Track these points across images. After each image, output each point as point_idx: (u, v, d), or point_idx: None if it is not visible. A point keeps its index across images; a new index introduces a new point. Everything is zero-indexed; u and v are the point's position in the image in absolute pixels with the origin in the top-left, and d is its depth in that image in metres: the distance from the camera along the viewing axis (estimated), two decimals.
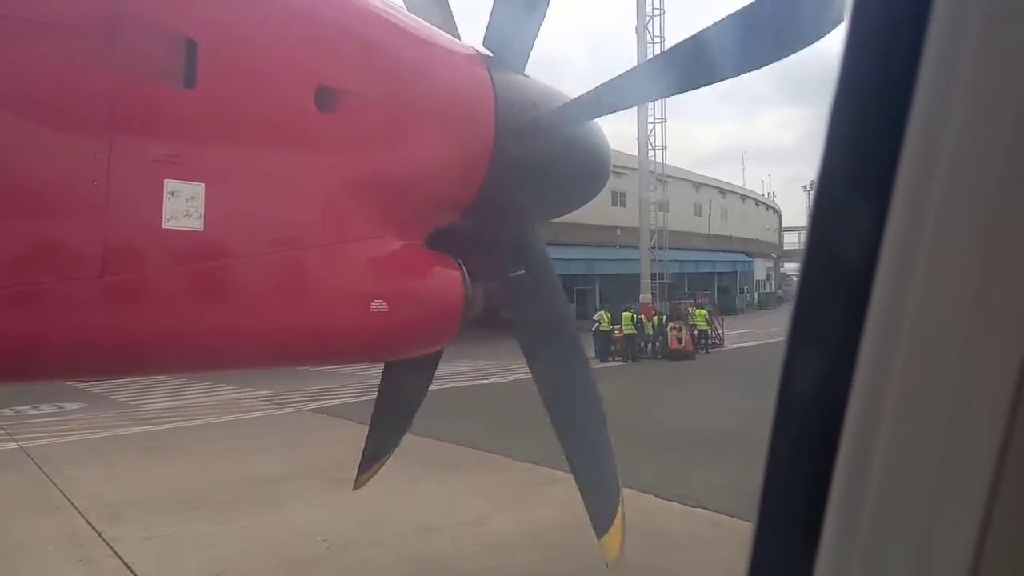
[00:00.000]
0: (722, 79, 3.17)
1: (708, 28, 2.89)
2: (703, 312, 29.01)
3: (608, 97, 3.42)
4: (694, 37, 2.97)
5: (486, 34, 3.53)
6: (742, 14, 2.77)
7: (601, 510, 3.69)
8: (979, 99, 0.62)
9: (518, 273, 3.56)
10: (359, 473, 5.07)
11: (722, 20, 2.83)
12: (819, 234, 0.80)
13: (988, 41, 0.62)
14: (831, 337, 0.76)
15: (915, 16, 0.66)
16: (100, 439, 13.85)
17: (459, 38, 3.63)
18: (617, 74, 3.32)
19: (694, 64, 3.13)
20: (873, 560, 0.69)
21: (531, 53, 3.63)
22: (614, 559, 3.71)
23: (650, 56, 33.92)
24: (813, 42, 2.72)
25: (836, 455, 0.72)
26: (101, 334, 2.36)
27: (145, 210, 2.29)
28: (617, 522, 3.65)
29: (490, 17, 3.49)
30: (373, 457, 5.01)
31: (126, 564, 7.07)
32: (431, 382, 4.51)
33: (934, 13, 0.65)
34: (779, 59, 2.90)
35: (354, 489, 5.11)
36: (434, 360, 4.20)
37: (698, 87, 3.40)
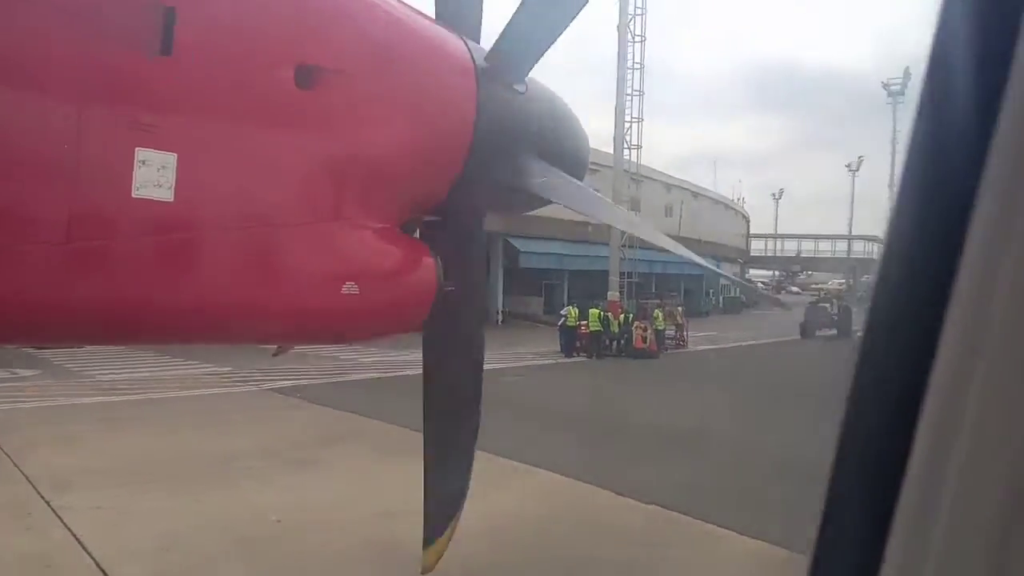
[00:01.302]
0: None
1: None
2: (659, 313, 29.40)
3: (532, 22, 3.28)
4: None
5: (500, 36, 3.38)
6: None
7: (435, 520, 3.75)
8: None
9: (448, 288, 3.36)
10: (424, 547, 4.04)
11: None
12: (897, 244, 0.78)
13: None
14: (903, 356, 0.74)
15: (1008, 15, 0.66)
16: (54, 407, 13.59)
17: (479, 38, 3.57)
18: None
19: None
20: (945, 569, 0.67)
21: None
22: (427, 568, 3.83)
23: (631, 56, 34.12)
24: None
25: (904, 475, 0.70)
26: (62, 300, 2.32)
27: (115, 177, 2.25)
28: (444, 538, 3.75)
29: (510, 19, 3.32)
30: (434, 532, 3.98)
31: (74, 535, 6.96)
32: (476, 436, 3.94)
33: None
34: None
35: (423, 573, 4.12)
36: (476, 401, 3.89)
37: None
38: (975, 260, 0.66)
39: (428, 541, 3.76)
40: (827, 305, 41.44)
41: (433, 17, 3.48)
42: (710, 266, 3.83)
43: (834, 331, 38.67)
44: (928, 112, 0.76)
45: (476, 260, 3.76)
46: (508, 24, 3.29)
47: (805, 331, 38.42)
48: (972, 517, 0.65)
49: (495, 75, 3.33)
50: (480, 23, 3.63)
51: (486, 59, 3.35)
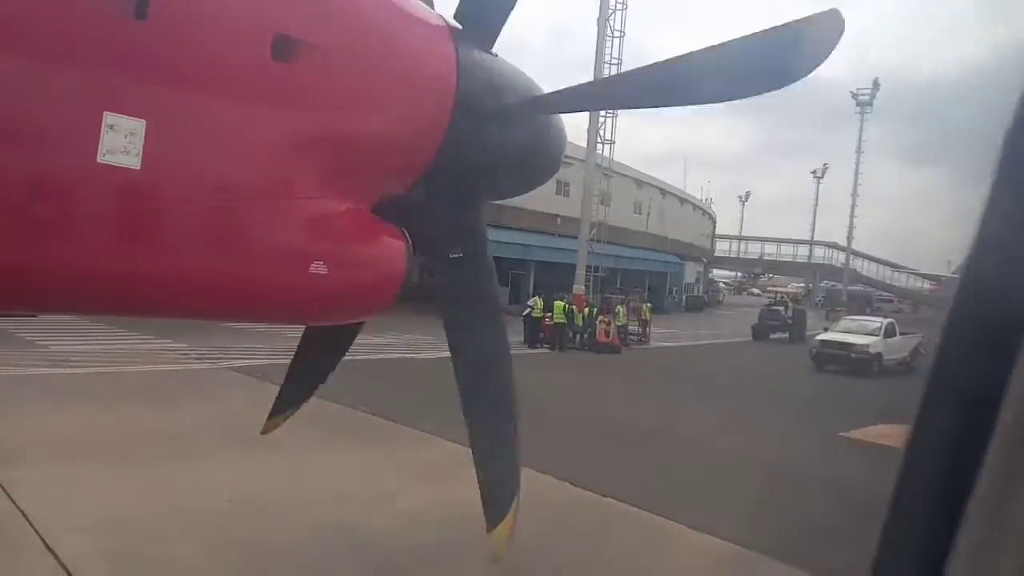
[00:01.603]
0: (699, 103, 3.33)
1: (698, 52, 2.91)
2: (621, 308, 29.70)
3: (585, 97, 3.42)
4: (684, 57, 3.00)
5: (459, 6, 3.45)
6: (732, 46, 2.81)
7: (496, 504, 3.67)
8: None
9: (456, 255, 3.47)
10: (269, 417, 5.06)
11: (712, 47, 2.87)
12: (989, 240, 0.77)
13: None
14: (985, 354, 0.73)
15: None
16: (3, 377, 13.22)
17: (432, 7, 3.54)
18: (603, 76, 3.33)
19: (675, 83, 3.16)
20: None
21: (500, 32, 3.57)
22: (500, 555, 3.73)
23: (609, 52, 34.17)
24: (794, 81, 2.79)
25: (978, 473, 0.70)
26: (19, 265, 2.24)
27: (81, 141, 2.17)
28: (509, 518, 3.64)
29: None
30: (284, 405, 5.01)
31: (19, 508, 6.79)
32: (352, 341, 4.50)
33: None
34: (758, 94, 3.00)
35: (261, 433, 5.17)
36: (355, 327, 4.18)
37: (674, 104, 3.54)
38: None
39: (492, 525, 3.65)
40: (781, 308, 40.86)
41: None
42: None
43: (786, 334, 38.27)
44: None
45: (477, 230, 3.72)
46: (559, 93, 3.32)
47: (757, 333, 38.30)
48: None
49: (470, 43, 3.31)
50: (499, 30, 3.55)
51: (454, 22, 3.35)
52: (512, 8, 3.52)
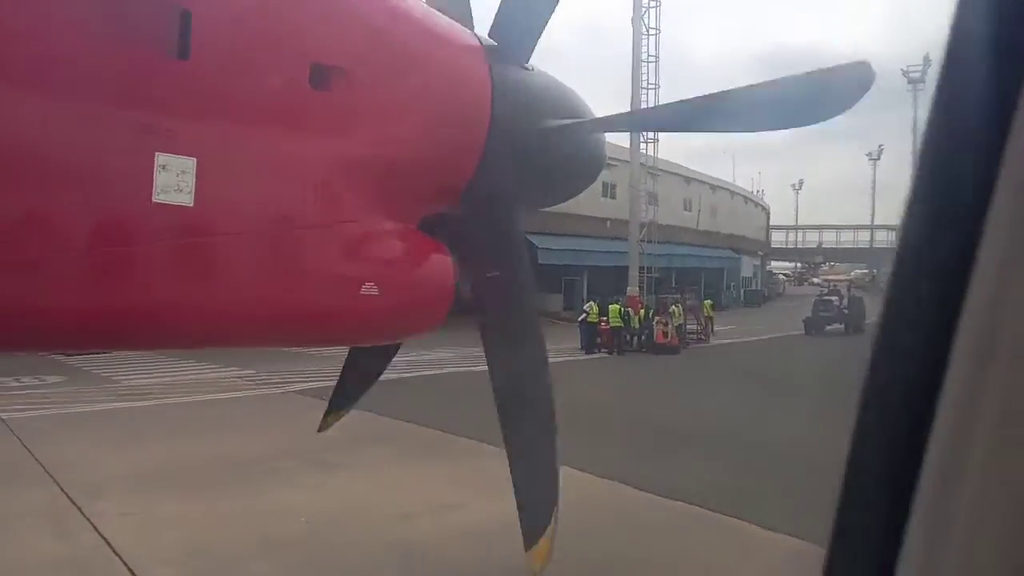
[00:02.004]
0: (745, 131, 3.49)
1: (745, 88, 3.20)
2: (676, 308, 29.14)
3: (631, 124, 3.49)
4: (736, 91, 3.19)
5: (494, 23, 3.48)
6: (775, 84, 3.17)
7: (533, 523, 3.63)
8: None
9: (493, 275, 3.47)
10: (324, 416, 5.37)
11: (759, 84, 3.21)
12: (912, 235, 0.78)
13: None
14: (920, 343, 0.74)
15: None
16: (81, 413, 13.76)
17: (471, 27, 3.58)
18: (648, 105, 3.39)
19: (728, 113, 3.27)
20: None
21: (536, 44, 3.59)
22: (536, 567, 3.65)
23: (644, 48, 33.93)
24: (836, 115, 3.07)
25: (921, 467, 0.70)
26: (87, 306, 2.33)
27: (135, 183, 2.26)
28: (545, 539, 3.60)
29: (499, 8, 3.45)
30: (338, 405, 5.32)
31: (104, 539, 7.04)
32: (397, 347, 4.54)
33: None
34: (800, 126, 3.29)
35: (318, 431, 5.45)
36: None
37: (723, 131, 3.71)
38: (990, 256, 0.66)
39: (529, 544, 3.62)
40: (834, 298, 37.57)
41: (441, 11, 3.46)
42: None
43: (841, 326, 35.36)
44: (943, 106, 0.75)
45: (516, 245, 3.72)
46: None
47: (810, 327, 35.39)
48: (989, 516, 0.64)
49: (504, 59, 3.34)
50: (533, 44, 3.59)
51: (489, 38, 3.38)
52: (547, 22, 3.54)
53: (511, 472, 3.65)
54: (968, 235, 0.67)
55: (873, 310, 37.29)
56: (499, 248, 3.53)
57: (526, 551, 3.59)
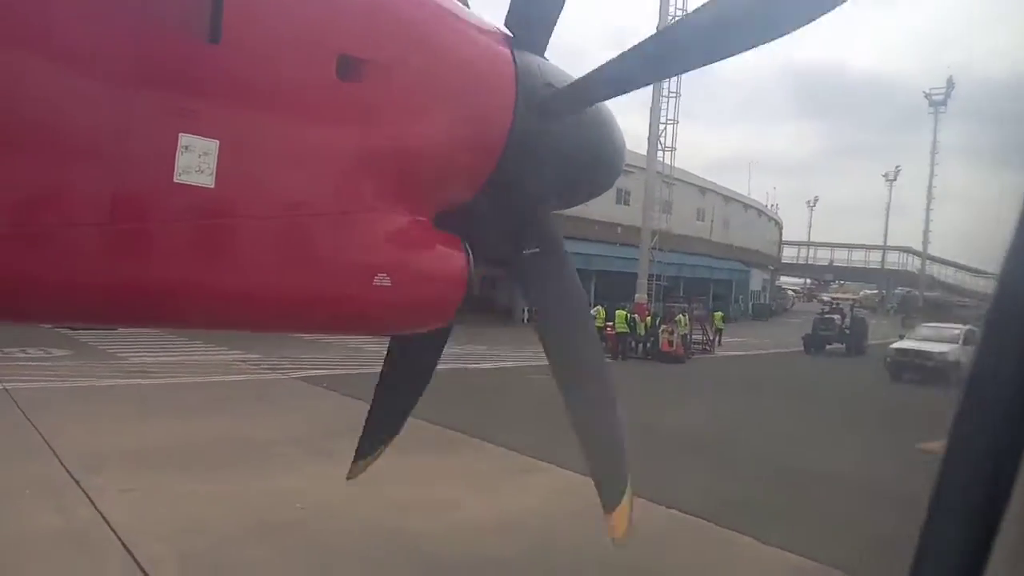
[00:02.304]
0: (724, 57, 3.19)
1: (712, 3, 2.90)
2: (682, 317, 29.09)
3: (618, 74, 3.34)
4: (699, 11, 2.93)
5: (508, 13, 3.50)
6: None
7: (609, 488, 3.65)
8: None
9: (532, 251, 3.51)
10: (355, 460, 4.77)
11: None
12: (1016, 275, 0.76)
13: None
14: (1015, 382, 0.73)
15: None
16: (86, 388, 13.85)
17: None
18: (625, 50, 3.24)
19: (700, 39, 3.07)
20: None
21: (551, 37, 3.61)
22: (620, 538, 3.64)
23: None
24: (818, 17, 2.72)
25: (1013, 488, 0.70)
26: (101, 281, 2.35)
27: (158, 162, 2.27)
28: (624, 503, 3.61)
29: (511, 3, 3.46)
30: (371, 447, 4.72)
31: (101, 514, 7.09)
32: (435, 368, 4.30)
33: None
34: (796, 29, 2.89)
35: (348, 479, 4.86)
36: (439, 346, 4.11)
37: (704, 64, 3.42)
38: None
39: (609, 509, 3.61)
40: (835, 317, 36.38)
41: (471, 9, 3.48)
42: None
43: (842, 346, 34.29)
44: None
45: (549, 226, 3.74)
46: (595, 72, 3.31)
47: (809, 345, 34.19)
48: None
49: (525, 48, 3.35)
50: (548, 36, 3.62)
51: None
52: (560, 13, 3.56)
53: (583, 446, 3.64)
54: None
55: (878, 331, 37.11)
56: (533, 229, 3.56)
57: (606, 515, 3.59)
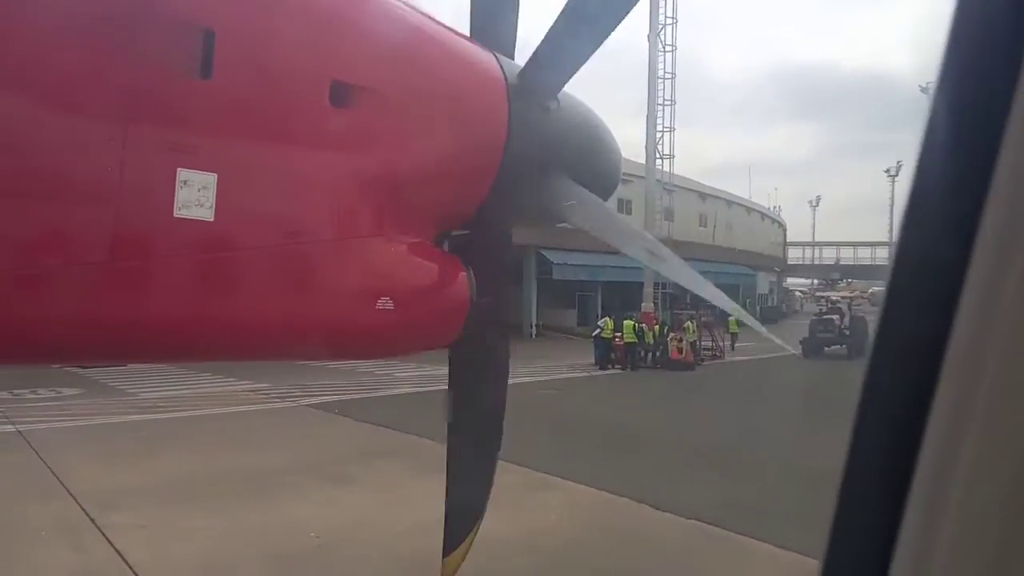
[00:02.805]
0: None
1: None
2: (690, 324, 28.92)
3: (565, 44, 3.25)
4: None
5: (532, 55, 3.40)
6: None
7: (455, 529, 3.69)
8: None
9: (484, 300, 3.31)
10: (443, 557, 3.97)
11: None
12: (910, 238, 0.79)
13: None
14: (916, 347, 0.74)
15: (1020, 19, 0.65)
16: (97, 426, 13.85)
17: (513, 54, 3.60)
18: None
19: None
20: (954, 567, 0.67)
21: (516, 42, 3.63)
22: None
23: (660, 64, 34.05)
24: None
25: (914, 474, 0.70)
26: (107, 320, 2.36)
27: (157, 198, 2.29)
28: (463, 547, 3.66)
29: (543, 39, 3.31)
30: (459, 534, 3.90)
31: (118, 552, 7.06)
32: (505, 398, 3.86)
33: None
34: None
35: None
36: (502, 364, 3.86)
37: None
38: (983, 264, 0.67)
39: (448, 550, 3.74)
40: (835, 317, 33.71)
41: (466, 33, 3.50)
42: (725, 302, 3.44)
43: (843, 348, 31.61)
44: (939, 118, 0.76)
45: (504, 273, 3.73)
46: (543, 42, 3.29)
47: (807, 350, 30.82)
48: (979, 520, 0.66)
49: (527, 92, 3.33)
50: (515, 39, 3.63)
51: (519, 75, 3.35)
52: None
53: (448, 472, 3.72)
54: (962, 240, 0.68)
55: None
56: (494, 273, 3.47)
57: (443, 558, 3.70)
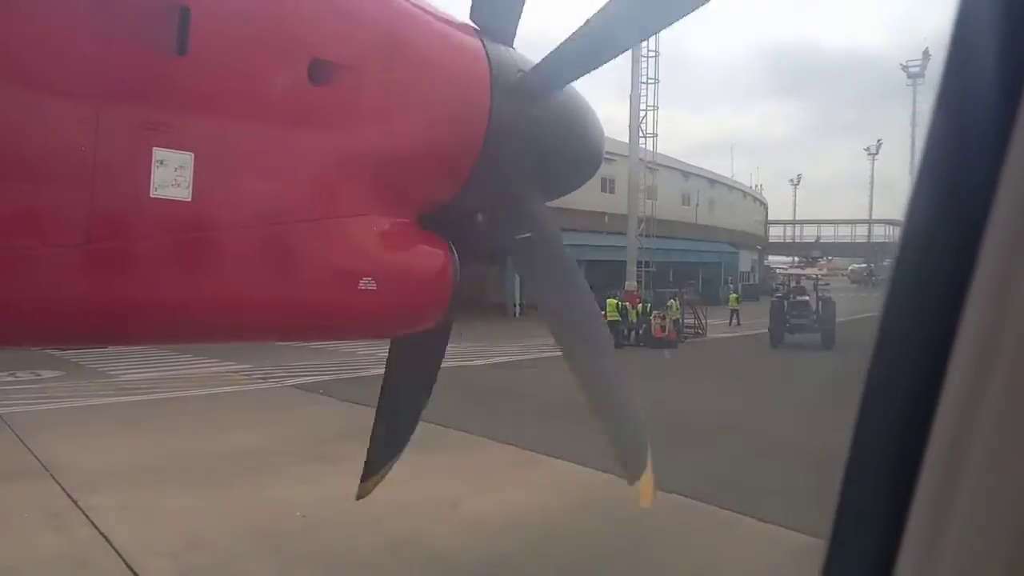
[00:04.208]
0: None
1: None
2: (674, 302, 29.02)
3: (583, 49, 3.34)
4: None
5: (472, 7, 3.46)
6: None
7: (632, 458, 3.77)
8: None
9: (525, 236, 3.55)
10: (363, 480, 4.60)
11: None
12: (914, 232, 0.77)
13: None
14: (921, 342, 0.73)
15: None
16: (78, 408, 13.76)
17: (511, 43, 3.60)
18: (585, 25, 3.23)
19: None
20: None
21: (518, 28, 3.61)
22: (648, 504, 3.83)
23: (643, 53, 33.87)
24: None
25: (921, 466, 0.69)
26: (84, 301, 2.33)
27: (133, 178, 2.25)
28: (649, 470, 3.73)
29: (559, 46, 3.35)
30: (379, 464, 4.54)
31: (102, 533, 7.05)
32: (438, 371, 4.17)
33: None
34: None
35: (357, 499, 4.71)
36: (440, 347, 4.03)
37: (671, 23, 3.51)
38: (993, 255, 0.65)
39: (634, 478, 3.72)
40: (806, 299, 28.44)
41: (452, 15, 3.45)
42: None
43: (816, 336, 26.74)
44: (948, 104, 0.74)
45: (539, 217, 3.76)
46: (558, 49, 3.32)
47: (775, 337, 27.06)
48: (988, 515, 0.64)
49: (515, 86, 3.33)
50: (516, 26, 3.60)
51: (505, 64, 3.36)
52: (522, 7, 3.56)
53: (600, 420, 3.72)
54: (971, 233, 0.67)
55: (868, 303, 36.85)
56: (520, 215, 3.59)
57: (631, 485, 3.71)
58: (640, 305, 28.80)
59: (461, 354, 22.01)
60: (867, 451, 0.80)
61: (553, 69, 3.44)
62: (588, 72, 3.52)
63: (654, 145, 36.42)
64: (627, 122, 33.52)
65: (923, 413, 0.69)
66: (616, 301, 27.35)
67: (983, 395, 0.64)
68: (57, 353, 18.83)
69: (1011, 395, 0.63)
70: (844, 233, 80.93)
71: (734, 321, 36.11)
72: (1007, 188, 0.64)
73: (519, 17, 3.60)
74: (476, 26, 3.40)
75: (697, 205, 53.22)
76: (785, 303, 28.16)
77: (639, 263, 32.96)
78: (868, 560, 0.78)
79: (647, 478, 3.72)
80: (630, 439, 3.83)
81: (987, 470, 0.64)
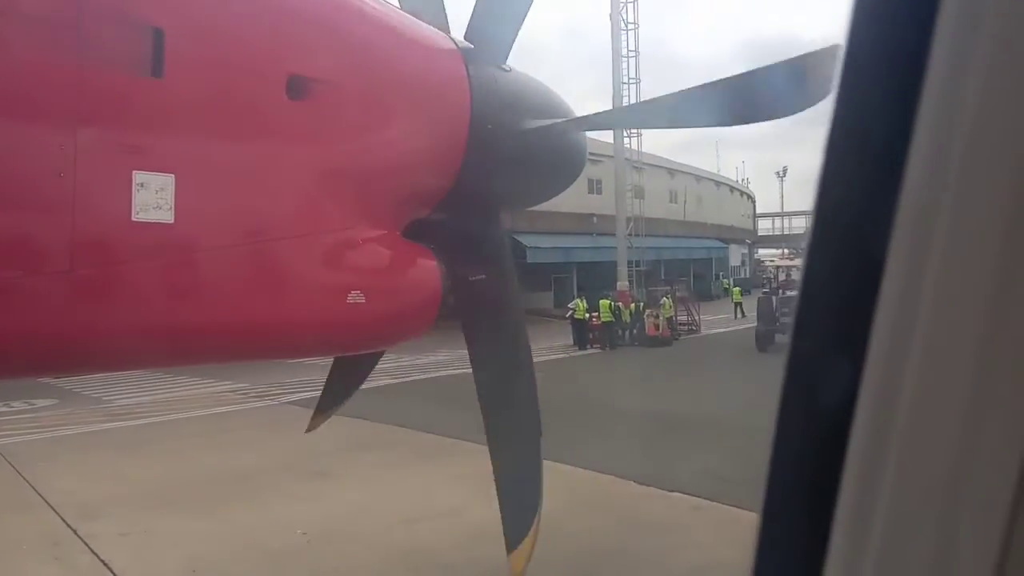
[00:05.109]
0: (725, 125, 3.41)
1: (723, 80, 3.13)
2: (667, 300, 28.92)
3: (610, 122, 3.47)
4: (713, 85, 3.15)
5: (469, 25, 3.49)
6: (753, 75, 3.04)
7: (516, 525, 3.66)
8: (992, 92, 0.59)
9: (477, 279, 3.48)
10: (314, 416, 5.37)
11: (736, 76, 3.13)
12: (824, 229, 0.76)
13: (1001, 29, 0.58)
14: (838, 334, 0.73)
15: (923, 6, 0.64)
16: (74, 435, 13.64)
17: (448, 32, 3.59)
18: (628, 102, 3.34)
19: (707, 108, 3.27)
20: (888, 564, 0.66)
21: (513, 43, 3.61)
22: (518, 570, 3.67)
23: (623, 43, 33.99)
24: (819, 101, 2.84)
25: (846, 454, 0.69)
26: (72, 330, 2.32)
27: (114, 202, 2.24)
28: (529, 539, 3.63)
29: (473, 9, 3.45)
30: (326, 407, 5.34)
31: (102, 561, 6.99)
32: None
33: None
34: (783, 116, 3.13)
35: (307, 431, 5.49)
36: None
37: (704, 126, 3.68)
38: (899, 255, 0.65)
39: (512, 546, 3.64)
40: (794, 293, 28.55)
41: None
42: None
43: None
44: (847, 107, 0.75)
45: (500, 247, 3.74)
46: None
47: (761, 340, 23.24)
48: (910, 511, 0.65)
49: (481, 60, 3.34)
50: (509, 45, 3.61)
51: (468, 36, 3.39)
52: (523, 21, 3.55)
53: (495, 474, 3.69)
54: (878, 232, 0.67)
55: None
56: (482, 251, 3.54)
57: (508, 553, 3.61)
58: (633, 304, 28.82)
59: (454, 362, 22.00)
60: (788, 454, 0.80)
61: (488, 27, 3.48)
62: (520, 22, 3.56)
63: (639, 144, 36.52)
64: None
65: (840, 425, 0.69)
66: (609, 302, 27.35)
67: (896, 394, 0.65)
68: (50, 381, 18.69)
69: (921, 406, 0.64)
70: None
71: (739, 314, 36.53)
72: (909, 193, 0.65)
73: (515, 36, 3.59)
74: (470, 45, 3.41)
75: (685, 202, 53.33)
76: (774, 299, 24.68)
77: (630, 262, 32.97)
78: (802, 534, 0.78)
79: (525, 547, 3.63)
80: (520, 507, 3.74)
81: (901, 471, 0.65)
